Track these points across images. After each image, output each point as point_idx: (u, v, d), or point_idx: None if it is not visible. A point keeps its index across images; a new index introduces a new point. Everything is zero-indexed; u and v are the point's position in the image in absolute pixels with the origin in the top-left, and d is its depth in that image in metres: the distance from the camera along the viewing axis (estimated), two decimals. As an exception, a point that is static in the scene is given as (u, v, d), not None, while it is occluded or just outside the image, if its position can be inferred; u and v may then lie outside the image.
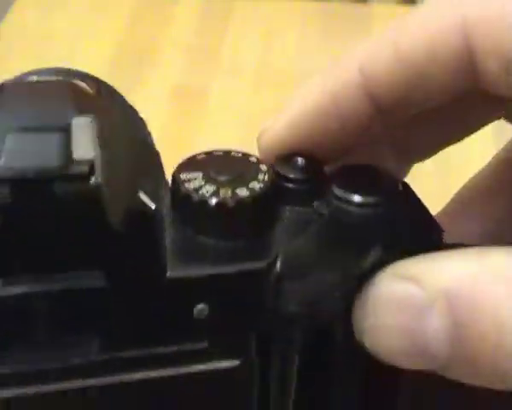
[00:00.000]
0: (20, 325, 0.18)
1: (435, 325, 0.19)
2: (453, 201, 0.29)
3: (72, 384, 0.19)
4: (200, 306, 0.20)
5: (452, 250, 0.20)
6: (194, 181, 0.20)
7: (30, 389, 0.19)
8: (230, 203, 0.20)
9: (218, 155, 0.21)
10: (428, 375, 0.20)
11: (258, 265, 0.20)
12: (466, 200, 0.29)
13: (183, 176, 0.20)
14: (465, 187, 0.29)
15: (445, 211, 0.29)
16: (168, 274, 0.19)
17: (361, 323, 0.21)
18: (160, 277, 0.19)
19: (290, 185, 0.21)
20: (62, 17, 0.82)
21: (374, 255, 0.20)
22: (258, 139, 0.24)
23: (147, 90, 0.72)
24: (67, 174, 0.17)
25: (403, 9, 0.86)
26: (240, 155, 0.22)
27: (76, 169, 0.17)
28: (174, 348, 0.20)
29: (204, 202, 0.20)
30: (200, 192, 0.20)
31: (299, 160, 0.22)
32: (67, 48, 0.77)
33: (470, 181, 0.29)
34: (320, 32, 0.81)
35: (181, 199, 0.20)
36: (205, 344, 0.20)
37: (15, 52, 0.76)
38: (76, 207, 0.17)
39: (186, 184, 0.20)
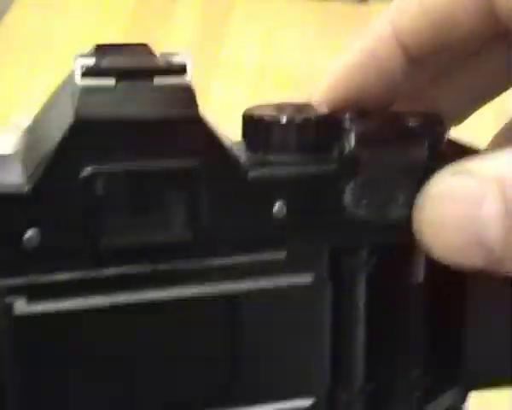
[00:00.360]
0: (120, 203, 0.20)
1: (489, 213, 0.21)
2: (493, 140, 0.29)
3: (149, 294, 0.21)
4: (279, 204, 0.22)
5: (502, 149, 0.22)
6: (265, 111, 0.23)
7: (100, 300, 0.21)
8: (299, 120, 0.22)
9: (280, 101, 0.24)
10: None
11: (331, 167, 0.22)
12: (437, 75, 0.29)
13: (254, 110, 0.23)
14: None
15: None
16: (249, 174, 0.21)
17: (421, 220, 0.22)
18: (242, 176, 0.21)
19: (347, 124, 0.23)
20: (62, 17, 0.82)
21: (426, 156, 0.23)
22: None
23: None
24: (166, 69, 0.20)
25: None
26: (299, 100, 0.24)
27: (172, 66, 0.20)
28: (254, 257, 0.22)
29: (276, 121, 0.22)
30: (272, 115, 0.22)
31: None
32: (67, 48, 0.77)
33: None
34: (320, 32, 0.81)
35: (253, 125, 0.23)
36: (283, 254, 0.22)
37: (15, 52, 0.76)
38: (172, 98, 0.20)
39: (257, 113, 0.23)
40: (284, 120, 0.22)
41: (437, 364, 0.25)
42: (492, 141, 0.29)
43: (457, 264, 0.22)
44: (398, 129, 0.23)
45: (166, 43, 0.78)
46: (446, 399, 0.25)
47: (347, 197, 0.22)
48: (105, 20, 0.81)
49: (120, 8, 0.84)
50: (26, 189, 0.19)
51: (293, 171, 0.22)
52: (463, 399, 0.26)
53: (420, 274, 0.24)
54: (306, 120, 0.22)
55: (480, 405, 0.43)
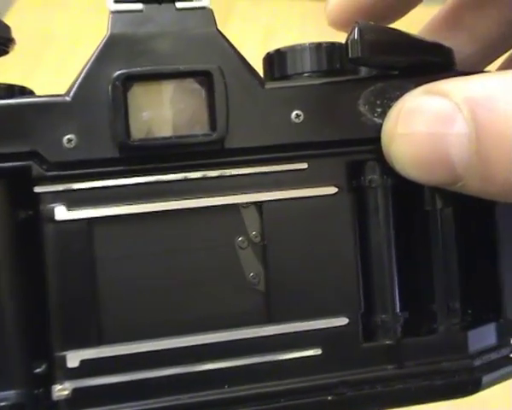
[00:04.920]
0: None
1: (458, 131, 0.21)
2: (438, 18, 0.30)
3: (189, 201, 0.23)
4: (296, 111, 0.23)
5: (476, 73, 0.22)
6: (283, 47, 0.25)
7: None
8: (324, 44, 0.24)
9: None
10: None
11: (346, 77, 0.23)
12: (452, 18, 0.29)
13: (276, 50, 0.25)
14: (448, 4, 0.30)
15: (430, 29, 0.30)
16: (267, 85, 0.23)
17: (390, 133, 0.23)
18: (261, 86, 0.23)
19: None
20: (62, 17, 0.82)
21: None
22: (326, 9, 0.28)
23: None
24: None
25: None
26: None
27: None
28: (278, 167, 0.23)
29: (291, 48, 0.24)
30: (289, 46, 0.24)
31: None
32: (67, 48, 0.77)
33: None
34: (320, 32, 0.81)
35: (269, 57, 0.24)
36: (305, 165, 0.23)
37: (15, 52, 0.75)
38: (191, 18, 0.23)
39: (275, 49, 0.24)
40: (299, 46, 0.24)
41: (476, 296, 0.25)
42: None
43: (420, 179, 0.22)
44: (410, 41, 0.24)
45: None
46: (489, 334, 0.25)
47: (362, 104, 0.23)
48: (105, 20, 0.81)
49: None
50: (66, 98, 0.22)
51: (309, 81, 0.23)
52: (508, 337, 0.26)
53: (448, 200, 0.25)
54: (318, 44, 0.24)
55: (480, 404, 0.43)
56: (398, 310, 0.24)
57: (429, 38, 0.27)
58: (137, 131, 0.22)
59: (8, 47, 0.25)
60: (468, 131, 0.21)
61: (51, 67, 0.73)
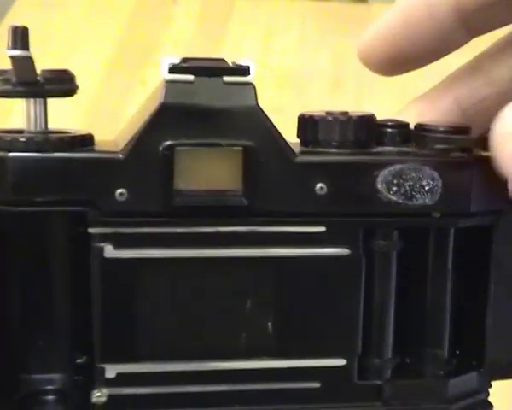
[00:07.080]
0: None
1: None
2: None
3: (211, 252, 0.26)
4: (321, 184, 0.26)
5: None
6: (317, 114, 0.27)
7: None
8: (343, 118, 0.27)
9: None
10: None
11: (367, 158, 0.26)
12: (473, 63, 0.31)
13: (307, 113, 0.27)
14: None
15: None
16: (297, 159, 0.26)
17: (500, 150, 0.24)
18: (291, 160, 0.26)
19: (387, 130, 0.28)
20: (62, 17, 0.82)
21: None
22: (358, 50, 0.30)
23: (147, 90, 0.72)
24: (233, 68, 0.26)
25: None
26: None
27: (239, 67, 0.26)
28: (298, 228, 0.26)
29: (323, 118, 0.27)
30: (322, 115, 0.27)
31: (390, 120, 0.28)
32: (67, 48, 0.77)
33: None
34: (320, 32, 0.82)
35: (305, 122, 0.27)
36: (323, 228, 0.26)
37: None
38: (237, 93, 0.26)
39: (310, 114, 0.27)
40: (330, 118, 0.27)
41: (462, 347, 0.29)
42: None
43: None
44: (426, 137, 0.27)
45: (166, 44, 0.78)
46: (470, 380, 0.28)
47: (380, 183, 0.26)
48: (105, 20, 0.81)
49: (120, 7, 0.84)
50: (120, 156, 0.25)
51: (334, 159, 0.26)
52: (487, 384, 0.29)
53: (448, 260, 0.28)
54: (349, 119, 0.27)
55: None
56: (390, 356, 0.28)
57: (450, 82, 0.31)
58: (181, 195, 0.26)
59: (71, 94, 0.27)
60: None
61: (51, 67, 0.74)
